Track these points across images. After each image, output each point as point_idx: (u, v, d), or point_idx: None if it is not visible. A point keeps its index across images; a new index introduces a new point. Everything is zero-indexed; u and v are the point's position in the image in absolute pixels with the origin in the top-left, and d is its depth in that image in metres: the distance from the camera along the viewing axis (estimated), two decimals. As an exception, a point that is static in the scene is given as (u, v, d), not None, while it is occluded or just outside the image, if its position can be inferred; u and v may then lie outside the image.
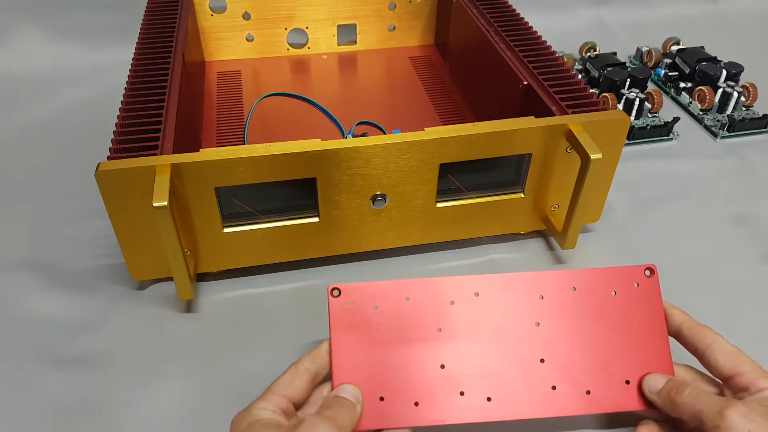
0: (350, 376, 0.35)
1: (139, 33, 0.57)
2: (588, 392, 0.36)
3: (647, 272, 0.38)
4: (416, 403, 0.35)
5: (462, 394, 0.36)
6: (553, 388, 0.36)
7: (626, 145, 0.65)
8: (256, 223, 0.45)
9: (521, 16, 0.61)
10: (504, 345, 0.37)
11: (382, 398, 0.35)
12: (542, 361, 0.37)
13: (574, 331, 0.37)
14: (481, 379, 0.36)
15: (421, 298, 0.37)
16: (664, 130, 0.66)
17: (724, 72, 0.70)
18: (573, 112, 0.46)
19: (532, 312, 0.37)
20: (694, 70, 0.73)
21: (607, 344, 0.37)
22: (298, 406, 0.34)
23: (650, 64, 0.78)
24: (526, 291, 0.38)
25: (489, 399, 0.36)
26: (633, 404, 0.36)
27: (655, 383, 0.36)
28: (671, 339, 0.38)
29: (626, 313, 0.37)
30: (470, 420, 0.35)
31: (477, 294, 0.37)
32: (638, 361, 0.37)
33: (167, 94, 0.48)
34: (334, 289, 0.37)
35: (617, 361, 0.37)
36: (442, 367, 0.36)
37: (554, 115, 0.47)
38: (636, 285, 0.38)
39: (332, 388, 0.35)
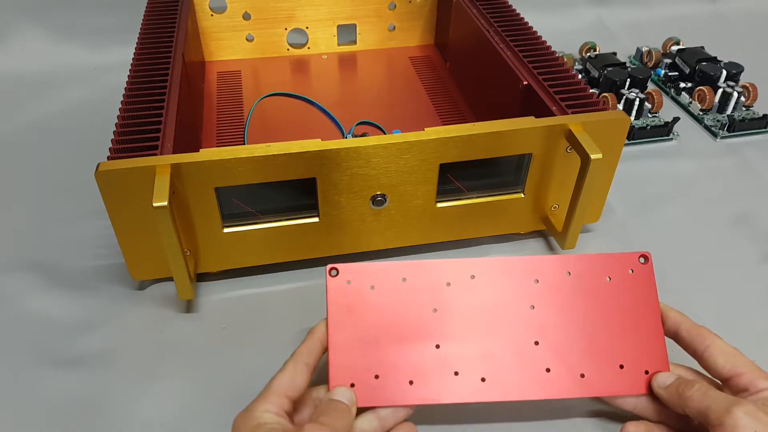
0: (346, 354, 0.36)
1: (139, 33, 0.57)
2: (582, 375, 0.36)
3: (641, 259, 0.38)
4: (411, 382, 0.36)
5: (456, 374, 0.36)
6: (547, 370, 0.36)
7: (626, 145, 0.65)
8: (256, 223, 0.45)
9: (521, 16, 0.61)
10: (499, 327, 0.37)
11: (377, 376, 0.36)
12: (536, 343, 0.37)
13: (568, 315, 0.37)
14: (476, 359, 0.36)
15: (417, 279, 0.37)
16: (664, 130, 0.66)
17: (724, 72, 0.70)
18: (573, 112, 0.46)
19: (527, 295, 0.38)
20: (694, 70, 0.73)
21: (602, 329, 0.37)
22: (297, 403, 0.35)
23: (650, 64, 0.78)
24: (521, 274, 0.38)
25: (483, 380, 0.36)
26: (626, 388, 0.37)
27: (664, 379, 0.36)
28: (668, 339, 0.38)
29: (620, 298, 0.38)
30: (464, 400, 0.36)
31: (473, 276, 0.38)
32: (632, 346, 0.37)
33: (167, 94, 0.48)
34: (332, 268, 0.37)
35: (611, 346, 0.37)
36: (437, 347, 0.36)
37: (554, 115, 0.47)
38: (630, 271, 0.38)
39: (329, 370, 0.35)
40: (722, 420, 0.31)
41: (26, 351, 0.43)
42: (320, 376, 0.37)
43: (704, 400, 0.33)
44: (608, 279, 0.38)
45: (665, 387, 0.35)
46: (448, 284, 0.38)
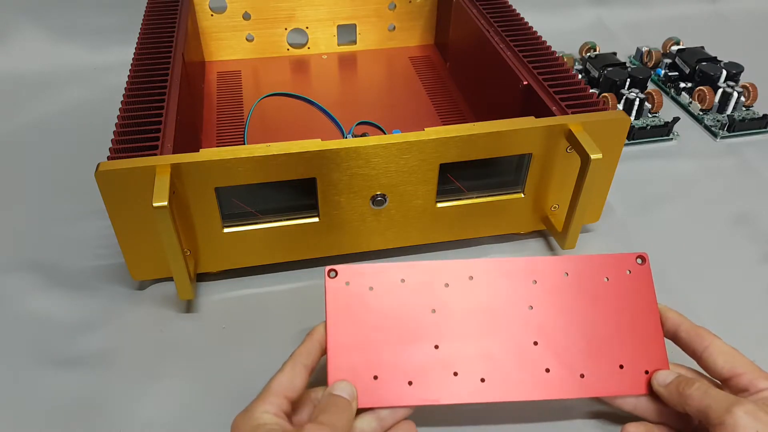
0: (345, 355, 0.36)
1: (139, 33, 0.57)
2: (581, 376, 0.36)
3: (639, 260, 0.39)
4: (410, 383, 0.36)
5: (456, 374, 0.36)
6: (547, 371, 0.36)
7: (626, 145, 0.64)
8: (256, 223, 0.45)
9: (521, 16, 0.61)
10: (498, 327, 0.37)
11: (376, 377, 0.36)
12: (536, 344, 0.37)
13: (567, 316, 0.37)
14: (475, 360, 0.36)
15: (416, 280, 0.37)
16: (664, 130, 0.66)
17: (724, 72, 0.70)
18: (573, 112, 0.46)
19: (526, 296, 0.38)
20: (694, 70, 0.73)
21: (600, 329, 0.37)
22: (296, 404, 0.35)
23: (650, 64, 0.78)
24: (519, 275, 0.38)
25: (483, 380, 0.36)
26: (626, 388, 0.37)
27: (664, 377, 0.36)
28: (667, 340, 0.38)
29: (619, 299, 0.38)
30: (463, 400, 0.36)
31: (471, 277, 0.38)
32: (632, 346, 0.37)
33: (167, 94, 0.48)
34: (331, 270, 0.37)
35: (610, 346, 0.37)
36: (436, 347, 0.36)
37: (554, 115, 0.47)
38: (628, 272, 0.38)
39: (328, 371, 0.35)
40: (723, 419, 0.31)
41: (26, 351, 0.43)
42: (319, 377, 0.37)
43: (704, 398, 0.33)
44: (606, 280, 0.38)
45: (665, 385, 0.35)
46: (447, 285, 0.38)
